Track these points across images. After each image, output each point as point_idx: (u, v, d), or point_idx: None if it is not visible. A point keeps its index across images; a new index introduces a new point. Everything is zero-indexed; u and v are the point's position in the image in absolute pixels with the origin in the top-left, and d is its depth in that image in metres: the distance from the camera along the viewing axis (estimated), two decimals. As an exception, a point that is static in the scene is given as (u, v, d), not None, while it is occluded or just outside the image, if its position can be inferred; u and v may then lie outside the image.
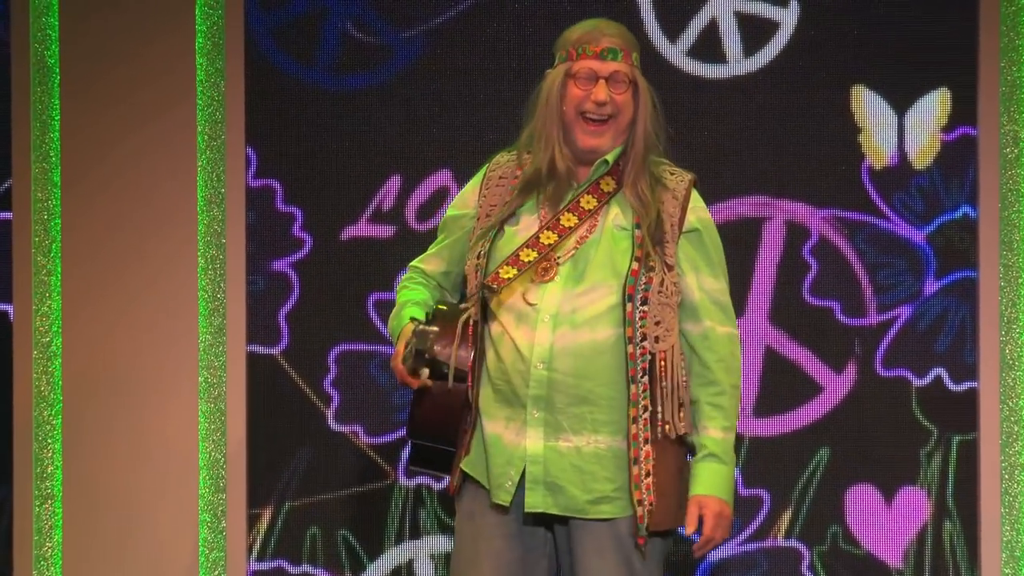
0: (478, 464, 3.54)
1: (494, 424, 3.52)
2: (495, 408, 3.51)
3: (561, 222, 3.51)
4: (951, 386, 4.86)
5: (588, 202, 3.53)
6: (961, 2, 4.84)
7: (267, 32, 4.89)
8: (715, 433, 3.49)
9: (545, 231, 3.51)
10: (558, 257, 3.50)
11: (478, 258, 3.56)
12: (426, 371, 3.41)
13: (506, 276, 3.47)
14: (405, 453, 4.81)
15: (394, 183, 4.91)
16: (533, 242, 3.50)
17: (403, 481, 4.92)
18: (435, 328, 3.43)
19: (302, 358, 4.92)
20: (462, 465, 3.54)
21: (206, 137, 4.85)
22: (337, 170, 4.91)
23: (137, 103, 4.84)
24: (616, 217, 3.52)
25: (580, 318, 3.47)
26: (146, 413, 4.87)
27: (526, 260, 3.48)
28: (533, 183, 3.55)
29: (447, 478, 3.58)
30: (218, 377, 4.85)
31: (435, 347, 3.43)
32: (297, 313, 4.92)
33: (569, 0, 4.84)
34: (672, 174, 3.59)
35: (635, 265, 3.47)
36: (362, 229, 4.91)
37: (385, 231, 4.91)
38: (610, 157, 3.53)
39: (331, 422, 4.92)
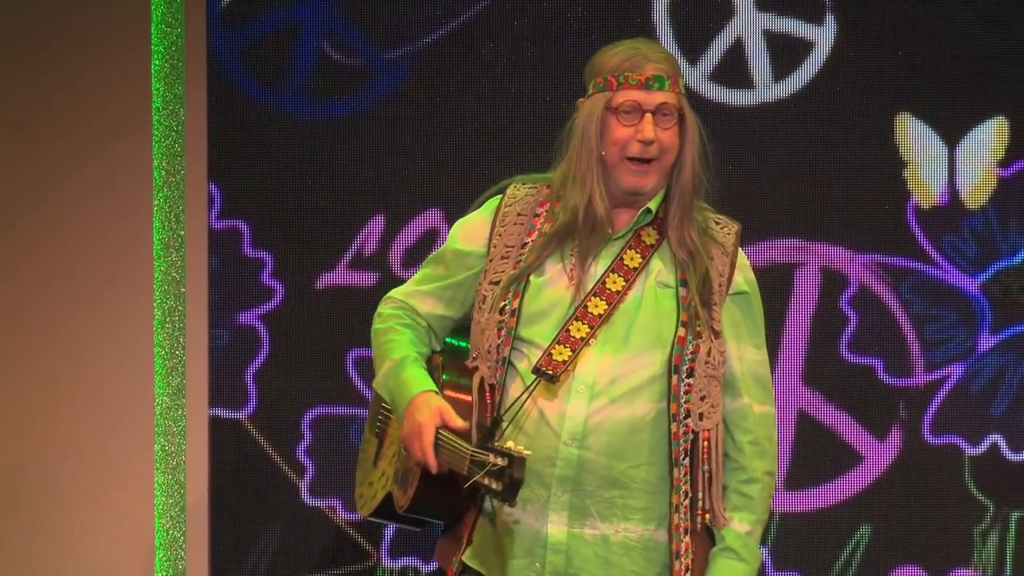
0: (486, 556, 3.40)
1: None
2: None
3: (608, 286, 3.40)
4: (1009, 455, 4.77)
5: (632, 259, 3.42)
6: (1021, 19, 4.73)
7: (232, 52, 4.75)
8: (738, 526, 3.37)
9: (594, 299, 3.39)
10: (604, 319, 3.39)
11: (501, 314, 3.41)
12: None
13: (560, 359, 3.34)
14: (389, 530, 4.72)
15: (377, 224, 4.78)
16: (582, 313, 3.37)
17: (387, 562, 4.77)
18: (528, 452, 3.25)
19: (272, 423, 4.78)
20: (464, 558, 3.40)
21: (163, 172, 4.70)
22: (312, 210, 4.79)
23: (84, 134, 4.72)
24: (660, 273, 3.41)
25: (619, 390, 3.35)
26: (93, 486, 4.71)
27: (578, 336, 3.36)
28: (565, 230, 3.42)
29: (422, 527, 3.51)
30: (177, 445, 4.69)
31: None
32: (266, 372, 4.78)
33: (575, 17, 4.70)
34: (718, 223, 3.47)
35: (682, 331, 3.36)
36: (340, 277, 4.78)
37: (367, 279, 4.77)
38: (652, 205, 3.40)
39: (305, 495, 4.77)
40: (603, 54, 3.44)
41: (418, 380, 3.41)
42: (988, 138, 4.75)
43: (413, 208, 4.77)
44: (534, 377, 3.32)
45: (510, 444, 3.20)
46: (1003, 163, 4.75)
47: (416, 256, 4.71)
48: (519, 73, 4.74)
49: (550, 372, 3.30)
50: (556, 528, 3.35)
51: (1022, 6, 4.75)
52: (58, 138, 4.72)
